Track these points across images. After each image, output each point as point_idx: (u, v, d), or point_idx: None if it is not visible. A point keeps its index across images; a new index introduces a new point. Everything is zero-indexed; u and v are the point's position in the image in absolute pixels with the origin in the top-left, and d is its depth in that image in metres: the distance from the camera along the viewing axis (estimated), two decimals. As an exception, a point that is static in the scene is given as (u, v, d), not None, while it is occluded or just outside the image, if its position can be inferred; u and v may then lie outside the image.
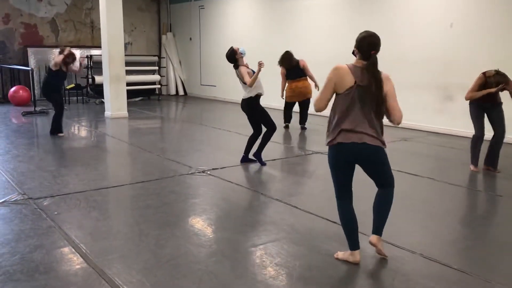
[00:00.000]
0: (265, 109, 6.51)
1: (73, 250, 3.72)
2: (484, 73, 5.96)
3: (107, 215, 4.57)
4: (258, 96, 6.29)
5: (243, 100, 6.35)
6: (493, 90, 5.83)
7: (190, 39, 16.13)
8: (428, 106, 9.19)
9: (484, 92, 5.87)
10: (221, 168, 6.32)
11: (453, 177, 5.97)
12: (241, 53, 6.27)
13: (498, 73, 5.89)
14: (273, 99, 10.03)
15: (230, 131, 9.25)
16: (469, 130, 6.44)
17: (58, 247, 3.79)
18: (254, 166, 6.46)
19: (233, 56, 6.30)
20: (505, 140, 6.19)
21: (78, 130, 9.80)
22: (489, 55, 7.92)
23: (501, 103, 6.06)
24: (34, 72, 13.48)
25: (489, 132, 6.18)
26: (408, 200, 5.02)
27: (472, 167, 6.25)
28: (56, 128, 8.59)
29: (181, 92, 16.73)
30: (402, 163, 6.23)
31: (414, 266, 3.51)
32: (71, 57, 8.33)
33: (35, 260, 3.51)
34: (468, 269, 3.45)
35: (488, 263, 3.61)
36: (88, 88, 14.54)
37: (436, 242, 3.97)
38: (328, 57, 10.56)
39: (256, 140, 6.51)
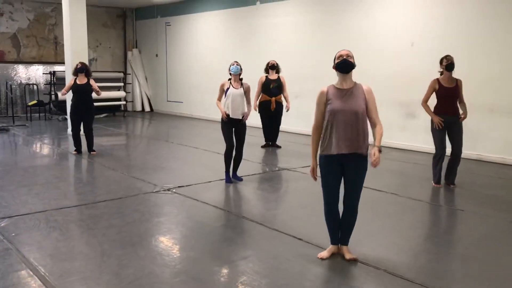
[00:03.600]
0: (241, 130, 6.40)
1: (31, 273, 3.58)
2: (437, 78, 6.17)
3: (68, 236, 4.43)
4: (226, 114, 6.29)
5: None
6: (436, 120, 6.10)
7: (157, 55, 16.06)
8: (391, 123, 9.38)
9: (433, 116, 6.11)
10: (187, 186, 6.25)
11: (416, 192, 6.09)
12: (230, 70, 6.29)
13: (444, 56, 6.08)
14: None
15: (197, 148, 9.18)
16: (431, 146, 6.59)
17: (14, 270, 3.64)
18: (221, 184, 6.42)
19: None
20: (463, 155, 6.35)
21: (40, 147, 9.54)
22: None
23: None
24: (-6, 88, 13.13)
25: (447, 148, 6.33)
26: (372, 215, 5.08)
27: (434, 184, 6.38)
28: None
29: (147, 109, 16.59)
30: (366, 179, 6.30)
31: (378, 282, 3.53)
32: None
33: (-10, 285, 3.37)
34: (431, 283, 3.49)
35: (450, 277, 3.67)
36: (51, 105, 14.24)
37: (400, 257, 4.02)
38: (293, 73, 10.71)
39: (230, 156, 6.44)
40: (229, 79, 6.34)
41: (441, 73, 6.19)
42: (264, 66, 9.29)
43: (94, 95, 8.45)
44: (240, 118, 6.32)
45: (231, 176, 6.57)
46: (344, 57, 3.65)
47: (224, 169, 6.52)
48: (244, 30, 12.72)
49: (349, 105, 3.63)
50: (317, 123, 3.77)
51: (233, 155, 6.46)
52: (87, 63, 10.87)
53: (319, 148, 3.78)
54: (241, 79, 6.38)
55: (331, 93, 3.70)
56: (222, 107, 6.32)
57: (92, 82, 8.37)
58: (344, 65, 3.65)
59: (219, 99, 6.40)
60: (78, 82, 8.31)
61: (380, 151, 3.63)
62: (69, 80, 8.50)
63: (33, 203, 5.41)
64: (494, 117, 8.02)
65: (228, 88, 6.25)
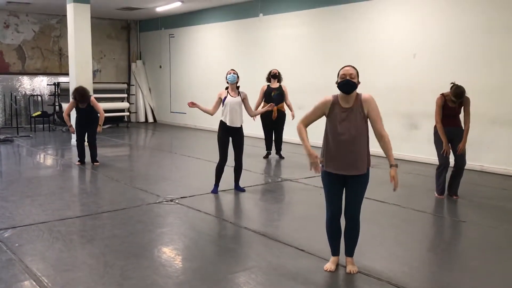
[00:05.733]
0: (238, 140, 6.41)
1: (34, 283, 3.59)
2: (442, 94, 6.18)
3: (71, 246, 4.45)
4: (222, 123, 6.34)
5: None
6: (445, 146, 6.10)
7: (160, 66, 16.17)
8: (394, 134, 9.31)
9: (444, 141, 6.09)
10: (190, 196, 6.27)
11: (418, 203, 6.08)
12: (227, 79, 6.32)
13: (455, 88, 6.02)
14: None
15: (199, 159, 9.22)
16: (434, 157, 6.59)
17: (18, 281, 3.65)
18: (224, 195, 6.43)
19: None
20: (466, 166, 6.34)
21: (44, 158, 9.59)
22: (449, 84, 8.20)
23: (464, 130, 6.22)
24: (-1, 99, 13.21)
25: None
26: (375, 226, 5.07)
27: (437, 195, 6.38)
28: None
29: (150, 120, 16.66)
30: (369, 190, 6.30)
31: (381, 293, 3.53)
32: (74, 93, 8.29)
33: (-7, 295, 3.38)
34: (433, 295, 3.49)
35: (453, 289, 3.66)
36: (55, 116, 14.32)
37: (403, 268, 4.01)
38: (295, 85, 10.76)
39: (221, 170, 6.47)
40: (226, 88, 6.37)
41: (451, 87, 6.13)
42: (265, 77, 9.33)
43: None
44: (238, 127, 6.34)
45: (234, 188, 6.62)
46: (347, 78, 3.59)
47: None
48: (247, 42, 12.81)
49: (349, 129, 3.61)
50: (307, 121, 3.75)
51: (223, 169, 6.47)
52: (91, 74, 11.00)
53: (320, 158, 3.75)
54: (238, 87, 6.41)
55: (334, 110, 3.66)
56: (206, 107, 6.37)
57: (93, 102, 8.31)
58: (346, 85, 3.60)
59: (214, 108, 6.41)
60: (80, 106, 8.34)
61: (396, 166, 3.67)
62: (70, 103, 8.48)
63: (37, 214, 5.43)
64: (496, 128, 8.03)
65: (225, 97, 6.28)
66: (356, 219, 3.82)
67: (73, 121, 8.55)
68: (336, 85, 3.66)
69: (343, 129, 3.62)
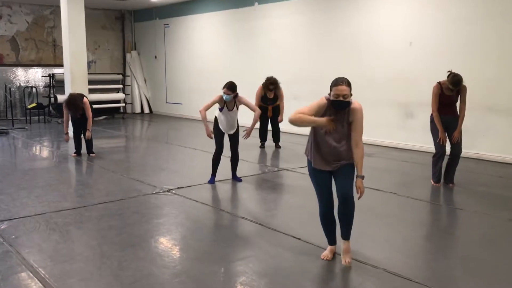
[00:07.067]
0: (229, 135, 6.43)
1: (31, 275, 3.59)
2: (439, 82, 6.17)
3: (67, 238, 4.44)
4: (217, 120, 6.34)
5: None
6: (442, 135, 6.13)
7: (155, 57, 16.08)
8: (390, 122, 9.40)
9: (440, 130, 6.11)
10: (186, 187, 6.26)
11: (415, 191, 6.10)
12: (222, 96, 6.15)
13: (453, 76, 6.01)
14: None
15: (196, 149, 9.21)
16: (430, 145, 6.60)
17: (15, 272, 3.65)
18: (220, 185, 6.43)
19: None
20: (462, 154, 6.36)
21: (40, 150, 9.55)
22: (446, 73, 8.18)
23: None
24: (-7, 91, 13.13)
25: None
26: (371, 215, 5.09)
27: (433, 183, 6.40)
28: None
29: (146, 110, 16.60)
30: (365, 178, 6.32)
31: (377, 281, 3.54)
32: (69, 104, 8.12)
33: (-10, 287, 3.38)
34: (430, 282, 3.50)
35: (450, 276, 3.68)
36: (50, 107, 14.25)
37: (399, 256, 4.03)
38: (291, 75, 10.73)
39: (218, 160, 6.46)
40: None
41: (448, 75, 6.11)
42: (262, 68, 9.28)
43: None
44: (232, 133, 6.36)
45: (231, 177, 6.64)
46: (340, 98, 3.59)
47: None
48: (242, 31, 12.73)
49: (337, 132, 3.70)
50: (303, 113, 3.68)
51: (220, 159, 6.46)
52: (85, 65, 10.93)
53: (306, 153, 3.89)
54: (235, 96, 6.19)
55: (326, 114, 3.69)
56: (207, 123, 6.20)
57: (86, 106, 8.18)
58: (339, 106, 3.64)
59: (207, 108, 6.13)
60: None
61: (363, 178, 3.76)
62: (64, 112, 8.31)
63: (33, 206, 5.42)
64: (492, 116, 8.04)
65: (222, 108, 6.21)
66: (350, 198, 3.76)
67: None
68: (330, 98, 3.66)
69: (332, 132, 3.71)
